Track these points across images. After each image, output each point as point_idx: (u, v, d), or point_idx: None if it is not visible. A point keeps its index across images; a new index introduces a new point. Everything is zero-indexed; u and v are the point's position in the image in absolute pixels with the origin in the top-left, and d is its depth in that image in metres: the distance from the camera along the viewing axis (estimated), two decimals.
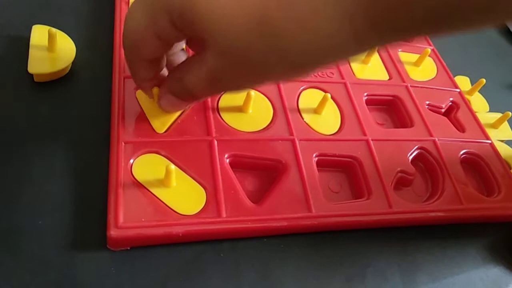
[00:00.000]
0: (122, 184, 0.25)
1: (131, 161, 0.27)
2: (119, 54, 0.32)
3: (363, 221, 0.28)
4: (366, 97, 0.36)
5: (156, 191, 0.26)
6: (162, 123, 0.29)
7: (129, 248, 0.24)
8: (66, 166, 0.27)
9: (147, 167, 0.27)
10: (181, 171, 0.27)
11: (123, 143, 0.27)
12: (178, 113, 0.30)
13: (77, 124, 0.29)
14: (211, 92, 0.28)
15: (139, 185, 0.26)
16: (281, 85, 0.34)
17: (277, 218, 0.26)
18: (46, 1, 0.36)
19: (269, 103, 0.33)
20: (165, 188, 0.26)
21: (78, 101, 0.30)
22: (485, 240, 0.31)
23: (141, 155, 0.27)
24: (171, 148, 0.28)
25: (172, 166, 0.25)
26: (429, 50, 0.40)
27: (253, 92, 0.31)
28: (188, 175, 0.27)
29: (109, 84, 0.30)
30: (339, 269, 0.27)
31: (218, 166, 0.28)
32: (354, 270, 0.27)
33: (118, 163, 0.26)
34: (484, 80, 0.39)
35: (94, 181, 0.26)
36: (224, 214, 0.25)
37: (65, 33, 0.32)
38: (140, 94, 0.30)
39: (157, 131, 0.28)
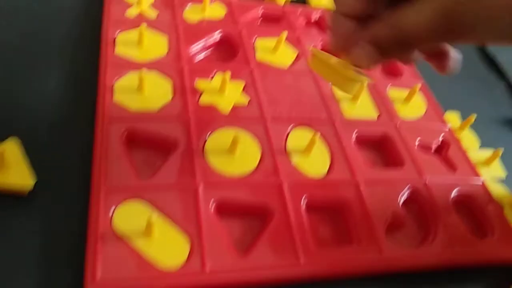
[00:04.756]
0: (101, 236, 0.24)
1: (112, 209, 0.26)
2: (103, 97, 0.31)
3: (354, 270, 0.27)
4: (355, 136, 0.35)
5: (137, 242, 0.25)
6: (350, 85, 0.25)
7: None
8: (42, 216, 0.26)
9: (128, 216, 0.26)
10: (164, 219, 0.26)
11: (103, 190, 0.26)
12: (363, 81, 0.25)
13: (56, 170, 0.28)
14: (437, 33, 0.22)
15: (119, 237, 0.25)
16: (269, 126, 0.33)
17: (263, 270, 0.25)
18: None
19: (257, 145, 0.32)
20: (146, 239, 0.25)
21: (58, 146, 0.29)
22: (480, 284, 0.30)
23: (122, 201, 0.26)
24: (154, 193, 0.27)
25: (154, 217, 0.24)
26: (419, 87, 0.40)
27: (240, 134, 0.30)
28: (172, 221, 0.26)
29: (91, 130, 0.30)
30: None
31: (203, 213, 0.27)
32: None
33: (98, 214, 0.25)
34: (474, 117, 0.39)
35: (73, 232, 0.25)
36: (208, 268, 0.24)
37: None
38: (315, 61, 0.26)
39: (349, 93, 0.25)
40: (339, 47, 0.25)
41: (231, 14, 0.43)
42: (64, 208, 0.27)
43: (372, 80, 0.26)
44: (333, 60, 0.25)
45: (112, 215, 0.26)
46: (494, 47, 0.53)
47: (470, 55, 0.53)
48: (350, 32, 0.24)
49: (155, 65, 0.35)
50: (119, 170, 0.28)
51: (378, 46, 0.23)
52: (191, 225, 0.26)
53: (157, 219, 0.25)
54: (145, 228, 0.25)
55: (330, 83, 0.25)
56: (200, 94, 0.34)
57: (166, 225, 0.26)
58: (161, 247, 0.25)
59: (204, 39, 0.39)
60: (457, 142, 0.37)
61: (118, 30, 0.37)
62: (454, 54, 0.26)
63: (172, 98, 0.33)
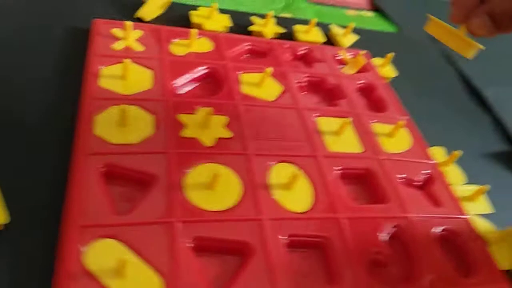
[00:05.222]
0: (72, 275, 0.24)
1: (84, 247, 0.25)
2: (83, 130, 0.31)
3: None
4: (338, 171, 0.35)
5: (109, 282, 0.24)
6: (470, 47, 0.29)
7: None
8: (11, 251, 0.25)
9: (101, 254, 0.25)
10: (138, 258, 0.25)
11: (76, 226, 0.26)
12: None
13: (28, 203, 0.27)
14: None
15: (90, 276, 0.24)
16: (252, 159, 0.33)
17: None
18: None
19: (238, 180, 0.31)
20: (119, 279, 0.24)
21: (32, 178, 0.29)
22: None
23: (95, 239, 0.26)
24: (129, 231, 0.26)
25: (127, 257, 0.24)
26: (403, 122, 0.40)
27: (221, 169, 0.30)
28: (146, 261, 0.25)
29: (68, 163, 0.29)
30: None
31: (179, 251, 0.26)
32: None
33: (69, 250, 0.24)
34: (459, 153, 0.39)
35: (42, 269, 0.24)
36: None
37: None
38: (433, 26, 0.31)
39: (467, 56, 0.29)
40: (460, 17, 0.29)
41: (218, 48, 0.43)
42: (34, 244, 0.26)
43: (484, 47, 0.30)
44: (449, 27, 0.30)
45: (84, 253, 0.25)
46: (479, 81, 0.54)
47: (456, 89, 0.53)
48: (473, 4, 0.28)
49: (138, 99, 0.35)
50: (95, 206, 0.27)
51: (493, 19, 0.27)
52: (166, 264, 0.25)
53: (130, 258, 0.24)
54: (117, 268, 0.24)
55: (448, 45, 0.31)
56: (183, 128, 0.34)
57: (139, 264, 0.25)
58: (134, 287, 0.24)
59: (190, 73, 0.39)
60: (442, 177, 0.37)
61: (102, 64, 0.37)
62: None
63: (154, 132, 0.33)
